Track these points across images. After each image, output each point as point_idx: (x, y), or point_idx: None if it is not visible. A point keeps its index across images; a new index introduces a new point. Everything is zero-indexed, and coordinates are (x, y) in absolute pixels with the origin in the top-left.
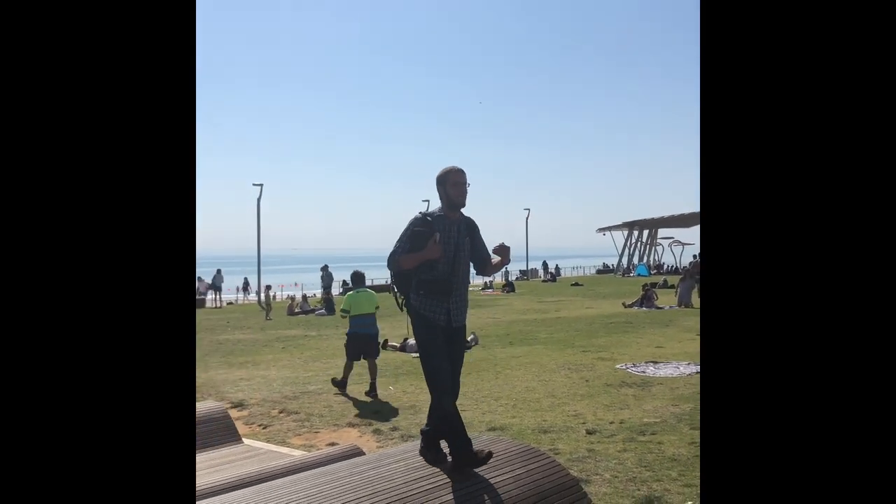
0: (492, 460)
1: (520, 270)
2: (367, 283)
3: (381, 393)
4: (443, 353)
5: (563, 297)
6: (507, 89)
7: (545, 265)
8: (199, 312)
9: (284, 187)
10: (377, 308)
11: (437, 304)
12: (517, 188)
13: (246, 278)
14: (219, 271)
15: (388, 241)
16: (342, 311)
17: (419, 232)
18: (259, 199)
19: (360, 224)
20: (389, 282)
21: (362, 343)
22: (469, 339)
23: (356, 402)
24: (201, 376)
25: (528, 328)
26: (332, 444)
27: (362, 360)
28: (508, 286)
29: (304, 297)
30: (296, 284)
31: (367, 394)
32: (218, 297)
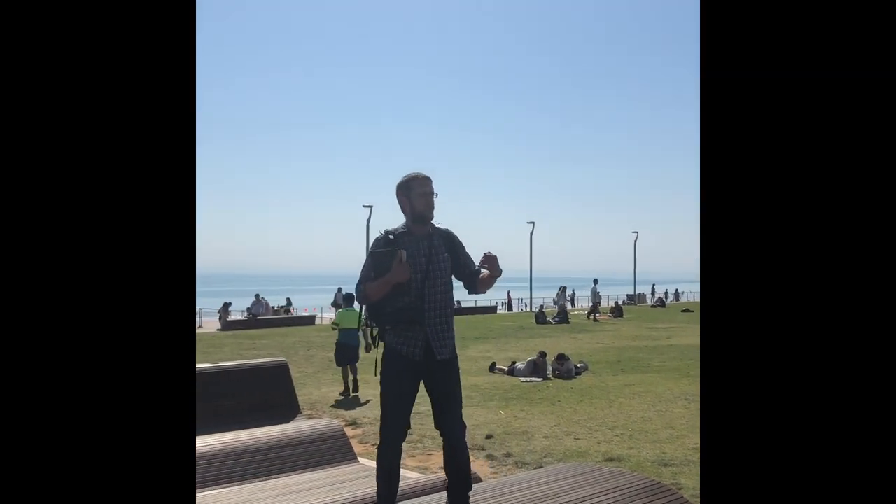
0: (615, 494)
1: (627, 295)
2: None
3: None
4: (401, 402)
5: (674, 323)
6: (611, 108)
7: (654, 290)
8: (309, 329)
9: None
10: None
11: (411, 337)
12: (627, 211)
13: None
14: (339, 290)
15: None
16: (333, 324)
17: (380, 254)
18: (368, 221)
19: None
20: (363, 315)
21: (347, 352)
22: (578, 365)
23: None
24: (314, 393)
25: (640, 355)
26: None
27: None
28: (616, 311)
29: None
30: None
31: (341, 394)
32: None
